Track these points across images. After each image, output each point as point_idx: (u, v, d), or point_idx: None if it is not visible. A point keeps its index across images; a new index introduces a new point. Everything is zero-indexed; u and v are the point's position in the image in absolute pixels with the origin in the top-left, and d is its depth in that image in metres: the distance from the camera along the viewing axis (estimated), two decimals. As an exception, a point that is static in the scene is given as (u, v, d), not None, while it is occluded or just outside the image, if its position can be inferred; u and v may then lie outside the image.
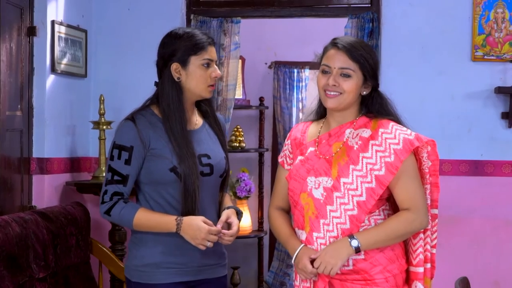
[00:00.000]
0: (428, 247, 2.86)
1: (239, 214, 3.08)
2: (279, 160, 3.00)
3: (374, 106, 2.85)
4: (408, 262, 2.85)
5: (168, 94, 2.97)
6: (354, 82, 2.78)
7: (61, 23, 4.69)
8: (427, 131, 4.82)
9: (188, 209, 2.93)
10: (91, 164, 5.10)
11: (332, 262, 2.68)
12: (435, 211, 2.90)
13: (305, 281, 2.80)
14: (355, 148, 2.77)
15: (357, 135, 2.80)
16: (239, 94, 6.65)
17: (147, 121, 2.96)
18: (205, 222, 2.90)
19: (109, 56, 5.19)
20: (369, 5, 5.04)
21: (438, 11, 4.92)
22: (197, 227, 2.88)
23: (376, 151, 2.75)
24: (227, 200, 3.16)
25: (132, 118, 2.97)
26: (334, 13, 5.16)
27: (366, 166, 2.74)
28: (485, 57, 4.86)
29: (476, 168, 4.90)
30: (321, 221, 2.75)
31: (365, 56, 2.79)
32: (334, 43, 2.82)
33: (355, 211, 2.72)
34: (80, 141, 5.00)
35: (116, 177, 2.94)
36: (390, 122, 2.82)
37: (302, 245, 2.78)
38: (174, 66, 2.97)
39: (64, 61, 4.74)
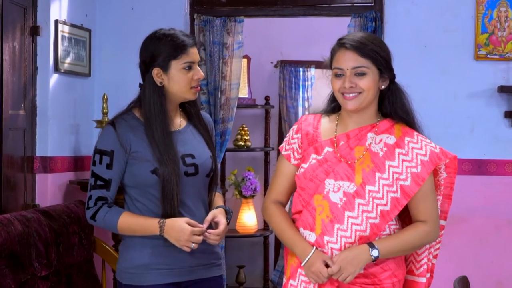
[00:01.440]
0: (431, 256, 2.84)
1: (228, 214, 3.05)
2: (284, 153, 2.86)
3: (395, 100, 2.78)
4: (408, 271, 2.82)
5: (149, 99, 2.96)
6: (371, 78, 2.70)
7: (64, 23, 4.72)
8: (429, 130, 4.80)
9: (168, 212, 2.92)
10: (94, 164, 5.11)
11: (351, 270, 2.61)
12: (443, 222, 2.85)
13: (308, 282, 2.70)
14: (380, 155, 2.70)
15: (380, 140, 2.72)
16: (244, 93, 6.67)
17: (127, 125, 2.96)
18: (188, 223, 2.89)
19: (112, 55, 5.22)
20: (372, 4, 5.05)
21: (441, 10, 4.92)
22: (179, 229, 2.87)
23: (403, 160, 2.69)
24: (218, 199, 3.14)
25: (112, 122, 2.98)
26: (337, 12, 5.17)
27: (393, 175, 2.67)
28: (488, 56, 4.86)
29: (479, 167, 4.90)
30: (336, 225, 2.65)
31: (375, 49, 2.70)
32: (341, 44, 2.72)
33: (377, 219, 2.65)
34: (84, 140, 5.03)
35: (99, 182, 2.94)
36: (414, 131, 2.77)
37: (314, 248, 2.67)
38: (156, 71, 2.96)
39: (68, 60, 4.77)
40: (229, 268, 6.18)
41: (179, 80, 2.96)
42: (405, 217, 2.81)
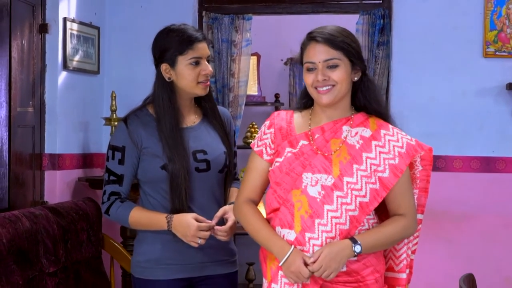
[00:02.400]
0: (410, 252, 2.79)
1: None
2: (256, 149, 2.79)
3: (367, 92, 2.74)
4: (387, 268, 2.78)
5: (158, 94, 3.00)
6: (343, 70, 2.65)
7: (73, 21, 4.73)
8: (438, 128, 4.88)
9: (176, 207, 2.94)
10: (103, 160, 5.10)
11: (334, 266, 2.55)
12: (420, 216, 2.80)
13: (291, 284, 2.62)
14: (357, 148, 2.67)
15: (356, 133, 2.70)
16: (254, 91, 6.66)
17: (139, 121, 3.00)
18: (196, 219, 2.89)
19: (121, 53, 5.23)
20: (381, 1, 5.04)
21: (449, 7, 4.91)
22: (186, 224, 2.88)
23: (380, 152, 2.67)
24: (234, 195, 3.11)
25: (125, 119, 3.02)
26: (345, 10, 5.16)
27: (371, 167, 2.64)
28: (497, 53, 4.84)
29: (488, 164, 4.88)
30: (316, 220, 2.59)
31: (346, 41, 2.65)
32: (311, 37, 2.68)
33: (356, 212, 2.61)
34: (92, 137, 5.04)
35: (112, 177, 3.00)
36: (389, 124, 2.74)
37: (292, 246, 2.59)
38: (164, 67, 2.99)
39: (76, 58, 4.78)
40: (239, 265, 6.17)
41: (186, 75, 2.97)
42: (381, 214, 2.77)
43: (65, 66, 4.65)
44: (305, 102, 2.82)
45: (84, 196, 4.56)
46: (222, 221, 2.99)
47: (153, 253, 2.99)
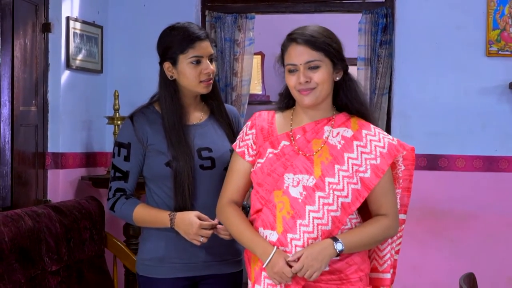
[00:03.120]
0: (393, 252, 2.80)
1: (244, 209, 3.01)
2: (238, 150, 2.79)
3: (349, 92, 2.74)
4: (371, 268, 2.78)
5: (162, 92, 3.02)
6: (325, 71, 2.64)
7: (76, 20, 4.74)
8: (440, 127, 4.87)
9: (179, 205, 2.94)
10: (107, 159, 5.14)
11: (316, 266, 2.54)
12: (403, 216, 2.80)
13: (274, 285, 2.62)
14: (338, 148, 2.66)
15: (337, 134, 2.69)
16: (258, 90, 6.66)
17: (145, 118, 3.01)
18: (199, 217, 2.89)
19: (125, 52, 5.23)
20: (383, 1, 5.03)
21: (452, 6, 4.89)
22: (188, 222, 2.88)
23: (362, 152, 2.66)
24: None
25: (131, 116, 3.04)
26: (348, 9, 5.15)
27: (352, 167, 2.63)
28: (500, 52, 4.82)
29: (490, 164, 4.87)
30: (298, 221, 2.59)
31: (327, 41, 2.64)
32: (292, 39, 2.67)
33: (338, 212, 2.60)
34: (96, 136, 5.05)
35: (117, 174, 3.01)
36: (370, 124, 2.74)
37: (275, 247, 2.59)
38: (166, 65, 3.00)
39: (79, 57, 4.79)
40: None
41: (187, 74, 2.97)
42: (365, 214, 2.76)
43: (68, 65, 4.65)
44: (287, 102, 2.81)
45: (87, 195, 4.57)
46: None
47: (157, 251, 3.00)
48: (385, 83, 4.97)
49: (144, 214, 2.97)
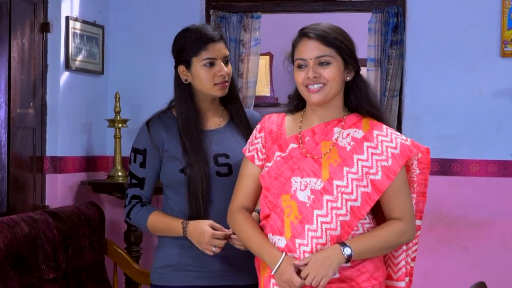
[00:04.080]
0: (409, 259, 2.77)
1: None
2: (248, 154, 2.80)
3: (360, 93, 2.73)
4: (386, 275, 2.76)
5: (177, 96, 3.04)
6: (335, 68, 2.63)
7: (76, 19, 4.76)
8: (453, 130, 4.87)
9: (194, 213, 2.95)
10: (108, 163, 5.16)
11: (323, 272, 2.52)
12: (419, 222, 2.77)
13: None
14: (348, 149, 2.64)
15: (347, 135, 2.67)
16: (267, 92, 6.66)
17: (162, 124, 3.03)
18: (212, 226, 2.89)
19: (126, 53, 5.25)
20: (394, -1, 5.05)
21: (465, 5, 4.88)
22: (201, 231, 2.88)
23: (372, 153, 2.64)
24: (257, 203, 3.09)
25: (148, 121, 3.06)
26: (358, 8, 5.16)
27: (362, 169, 2.61)
28: (515, 52, 4.82)
29: (505, 168, 4.85)
30: (306, 226, 2.58)
31: (339, 38, 2.64)
32: (303, 33, 2.67)
33: (347, 216, 2.58)
34: (96, 139, 5.07)
35: (133, 181, 3.04)
36: (383, 124, 2.72)
37: (284, 254, 2.59)
38: (181, 69, 3.01)
39: (79, 57, 4.81)
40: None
41: (201, 77, 2.98)
42: (380, 218, 2.75)
43: (67, 66, 4.67)
44: (297, 103, 2.80)
45: (87, 201, 4.58)
46: None
47: (171, 259, 3.01)
48: (396, 84, 4.97)
49: (158, 222, 2.99)
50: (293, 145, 2.70)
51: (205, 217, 2.94)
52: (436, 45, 4.92)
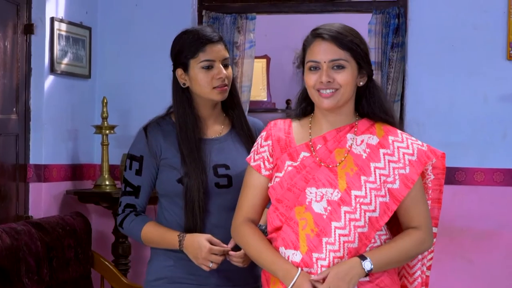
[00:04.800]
0: (424, 268, 2.75)
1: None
2: (253, 163, 2.73)
3: (372, 100, 2.70)
4: (400, 286, 2.73)
5: (175, 101, 3.01)
6: (350, 73, 2.59)
7: (61, 20, 4.74)
8: (457, 137, 4.85)
9: (190, 225, 2.92)
10: (95, 172, 5.14)
11: (344, 287, 2.50)
12: (435, 229, 2.74)
13: None
14: (363, 157, 2.61)
15: (362, 141, 2.64)
16: (263, 96, 6.64)
17: (160, 130, 3.00)
18: (210, 241, 2.85)
19: (115, 56, 5.23)
20: (395, 0, 5.03)
21: (470, 5, 4.88)
22: (198, 246, 2.84)
23: (389, 161, 2.61)
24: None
25: (145, 127, 3.03)
26: (357, 9, 5.16)
27: (380, 178, 2.59)
28: (522, 55, 4.81)
29: (512, 177, 4.86)
30: (324, 239, 2.54)
31: (355, 41, 2.60)
32: (317, 34, 2.61)
33: (365, 228, 2.55)
34: (82, 146, 5.04)
35: (128, 188, 3.00)
36: (397, 130, 2.70)
37: (299, 269, 2.54)
38: (179, 72, 2.98)
39: (65, 60, 4.79)
40: None
41: (199, 80, 2.94)
42: (392, 227, 2.72)
43: (52, 70, 4.66)
44: (304, 107, 2.75)
45: (73, 211, 4.56)
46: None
47: (164, 271, 2.97)
48: (397, 89, 4.96)
49: (153, 233, 2.95)
50: (304, 154, 2.65)
51: (201, 229, 2.91)
52: (439, 48, 4.91)
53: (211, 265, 2.84)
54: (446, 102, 4.89)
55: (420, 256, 2.72)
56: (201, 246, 2.84)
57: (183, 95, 2.99)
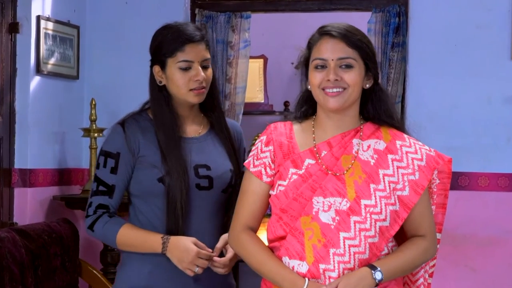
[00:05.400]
0: (427, 275, 2.76)
1: None
2: (252, 169, 2.69)
3: (378, 104, 2.68)
4: None
5: (153, 98, 2.97)
6: (357, 72, 2.58)
7: (48, 19, 4.74)
8: (460, 141, 4.83)
9: (171, 227, 2.87)
10: (83, 176, 5.13)
11: None
12: (438, 235, 2.74)
13: None
14: (371, 163, 2.60)
15: (368, 147, 2.63)
16: (260, 98, 6.64)
17: (138, 126, 2.95)
18: (196, 244, 2.83)
19: (104, 56, 5.22)
20: (396, -3, 5.04)
21: (473, 4, 4.87)
22: (184, 248, 2.81)
23: (398, 167, 2.60)
24: None
25: (122, 122, 2.97)
26: (356, 7, 5.15)
27: (389, 186, 2.58)
28: (527, 55, 4.81)
29: (517, 182, 4.86)
30: (332, 250, 2.53)
31: (363, 40, 2.60)
32: (325, 31, 2.61)
33: (376, 238, 2.55)
34: (70, 150, 5.04)
35: (101, 188, 2.92)
36: (403, 134, 2.69)
37: (306, 280, 2.53)
38: (156, 69, 2.95)
39: (52, 61, 4.78)
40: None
41: (175, 80, 2.91)
42: (396, 235, 2.70)
43: (38, 70, 4.65)
44: (305, 110, 2.73)
45: (59, 217, 4.54)
46: (221, 253, 2.93)
47: (139, 279, 2.91)
48: (398, 90, 4.96)
49: (131, 236, 2.89)
50: (309, 161, 2.62)
51: (183, 231, 2.87)
52: (441, 48, 4.91)
53: (197, 269, 2.81)
54: (449, 104, 4.88)
55: (423, 264, 2.71)
56: (188, 249, 2.81)
57: (160, 93, 2.95)
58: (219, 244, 2.89)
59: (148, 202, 2.93)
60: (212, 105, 3.03)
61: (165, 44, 2.90)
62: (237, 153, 3.04)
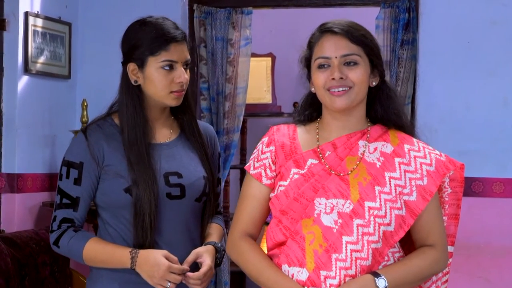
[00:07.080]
0: None
1: (219, 252, 2.96)
2: (252, 172, 2.71)
3: (386, 103, 2.70)
4: None
5: (123, 101, 2.95)
6: (363, 70, 2.60)
7: (37, 15, 4.77)
8: (474, 144, 4.85)
9: (139, 240, 2.86)
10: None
11: None
12: (451, 248, 2.75)
13: None
14: (377, 166, 2.61)
15: (375, 149, 2.64)
16: (268, 99, 6.63)
17: (102, 133, 2.93)
18: (167, 258, 2.81)
19: (97, 54, 5.25)
20: (405, -8, 5.07)
21: (487, -1, 4.91)
22: (155, 263, 2.79)
23: (405, 171, 2.61)
24: (213, 233, 3.03)
25: (84, 129, 2.95)
26: (364, 2, 5.16)
27: (395, 189, 2.59)
28: (545, 53, 4.82)
29: (535, 188, 4.86)
30: (333, 256, 2.52)
31: (367, 36, 2.62)
32: (326, 28, 2.61)
33: (379, 243, 2.55)
34: (60, 153, 4.87)
35: (65, 200, 2.91)
36: (412, 138, 2.70)
37: None
38: (131, 67, 2.93)
39: (41, 59, 4.81)
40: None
41: (156, 81, 2.89)
42: (404, 244, 2.72)
43: (26, 70, 4.68)
44: (309, 113, 2.75)
45: (49, 225, 4.50)
46: (196, 265, 2.90)
47: None
48: (408, 90, 4.97)
49: (98, 250, 2.87)
50: (312, 161, 2.64)
51: (152, 245, 2.86)
52: (453, 45, 4.92)
53: (169, 285, 2.79)
54: (462, 106, 4.89)
55: (434, 278, 2.72)
56: (158, 263, 2.79)
57: (133, 94, 2.93)
58: (189, 257, 2.88)
59: (116, 215, 2.91)
60: (183, 106, 3.01)
61: (147, 42, 2.88)
62: (210, 159, 3.04)
